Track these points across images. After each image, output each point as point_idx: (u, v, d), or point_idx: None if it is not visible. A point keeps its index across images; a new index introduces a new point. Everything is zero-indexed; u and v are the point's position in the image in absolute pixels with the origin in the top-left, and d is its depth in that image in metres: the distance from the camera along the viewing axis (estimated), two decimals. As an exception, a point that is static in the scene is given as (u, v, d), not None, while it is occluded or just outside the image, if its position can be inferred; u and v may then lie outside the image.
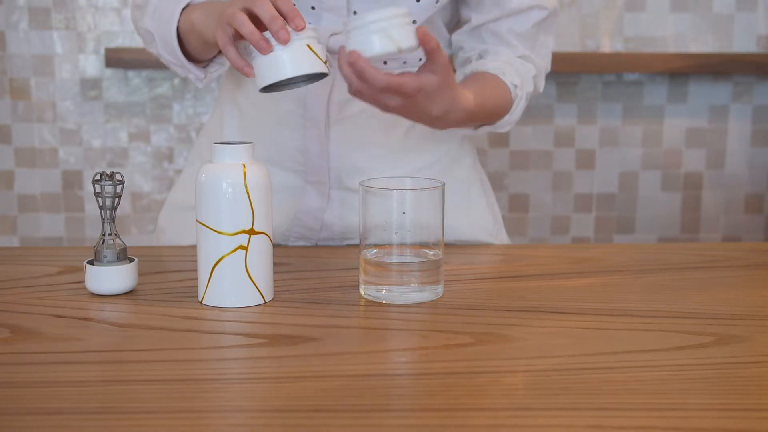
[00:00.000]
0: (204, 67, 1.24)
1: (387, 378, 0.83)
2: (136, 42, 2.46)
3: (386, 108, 1.08)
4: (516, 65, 1.26)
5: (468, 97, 1.14)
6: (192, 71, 1.23)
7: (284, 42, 1.01)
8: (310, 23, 1.05)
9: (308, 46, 1.03)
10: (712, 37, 2.53)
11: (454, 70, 1.32)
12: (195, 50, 1.20)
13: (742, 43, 2.54)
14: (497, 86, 1.23)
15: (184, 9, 1.19)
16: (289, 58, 1.02)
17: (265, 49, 1.02)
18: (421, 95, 1.06)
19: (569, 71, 2.46)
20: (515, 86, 1.24)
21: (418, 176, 1.19)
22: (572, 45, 2.50)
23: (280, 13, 1.02)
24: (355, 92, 1.06)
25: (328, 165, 1.27)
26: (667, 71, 2.47)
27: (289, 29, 1.02)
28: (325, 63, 1.04)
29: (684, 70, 2.46)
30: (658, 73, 2.52)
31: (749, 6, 2.52)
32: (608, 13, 2.51)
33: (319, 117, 1.25)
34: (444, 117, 1.11)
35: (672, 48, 2.53)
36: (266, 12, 1.01)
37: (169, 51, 1.21)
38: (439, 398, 0.79)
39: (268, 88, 1.06)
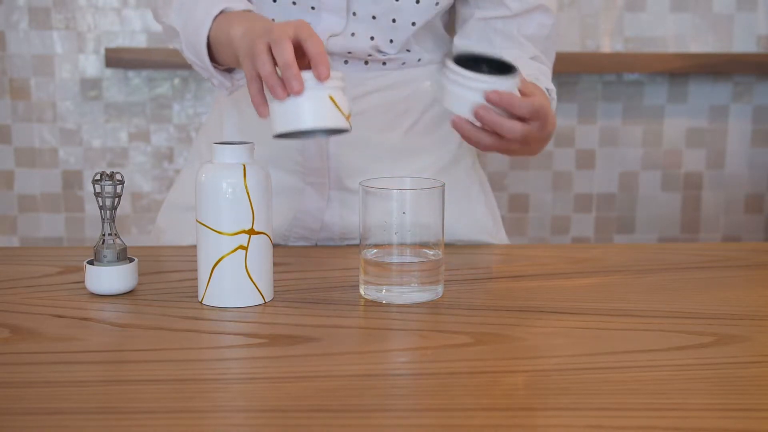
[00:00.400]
0: (229, 71, 1.20)
1: (387, 378, 0.83)
2: (136, 42, 2.46)
3: (525, 141, 1.01)
4: (538, 69, 1.25)
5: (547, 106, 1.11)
6: (217, 77, 1.18)
7: (295, 94, 0.94)
8: (337, 72, 0.96)
9: (330, 97, 0.95)
10: (712, 37, 2.53)
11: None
12: (225, 61, 1.15)
13: (742, 43, 2.54)
14: (540, 92, 1.21)
15: (217, 15, 1.13)
16: (307, 109, 0.94)
17: (280, 95, 0.95)
18: (548, 112, 1.02)
19: (569, 71, 2.46)
20: (548, 91, 1.22)
21: (418, 176, 1.19)
22: (572, 45, 2.50)
23: (309, 55, 0.96)
24: (496, 142, 0.99)
25: (328, 166, 1.27)
26: (667, 71, 2.47)
27: (310, 77, 0.95)
28: (348, 117, 0.97)
29: (684, 70, 2.46)
30: (658, 73, 2.52)
31: (749, 6, 2.52)
32: (608, 13, 2.51)
33: None
34: (552, 132, 1.08)
35: (672, 48, 2.53)
36: (282, 55, 0.95)
37: (194, 54, 1.16)
38: (439, 398, 0.79)
39: (284, 135, 0.98)
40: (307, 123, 0.94)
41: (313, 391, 0.80)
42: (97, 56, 2.46)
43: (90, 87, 2.48)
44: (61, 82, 2.47)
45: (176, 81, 2.49)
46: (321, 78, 0.94)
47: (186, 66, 2.40)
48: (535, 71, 1.24)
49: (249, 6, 1.14)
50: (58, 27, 2.45)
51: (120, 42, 2.46)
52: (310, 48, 0.95)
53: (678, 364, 0.86)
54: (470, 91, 0.97)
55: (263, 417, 0.76)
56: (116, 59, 2.39)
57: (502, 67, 1.00)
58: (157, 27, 2.45)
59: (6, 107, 2.47)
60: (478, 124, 1.00)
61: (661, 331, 0.95)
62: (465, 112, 0.97)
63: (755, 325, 0.97)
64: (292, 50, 0.95)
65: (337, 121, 0.95)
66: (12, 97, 2.47)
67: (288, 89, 0.94)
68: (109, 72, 2.47)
